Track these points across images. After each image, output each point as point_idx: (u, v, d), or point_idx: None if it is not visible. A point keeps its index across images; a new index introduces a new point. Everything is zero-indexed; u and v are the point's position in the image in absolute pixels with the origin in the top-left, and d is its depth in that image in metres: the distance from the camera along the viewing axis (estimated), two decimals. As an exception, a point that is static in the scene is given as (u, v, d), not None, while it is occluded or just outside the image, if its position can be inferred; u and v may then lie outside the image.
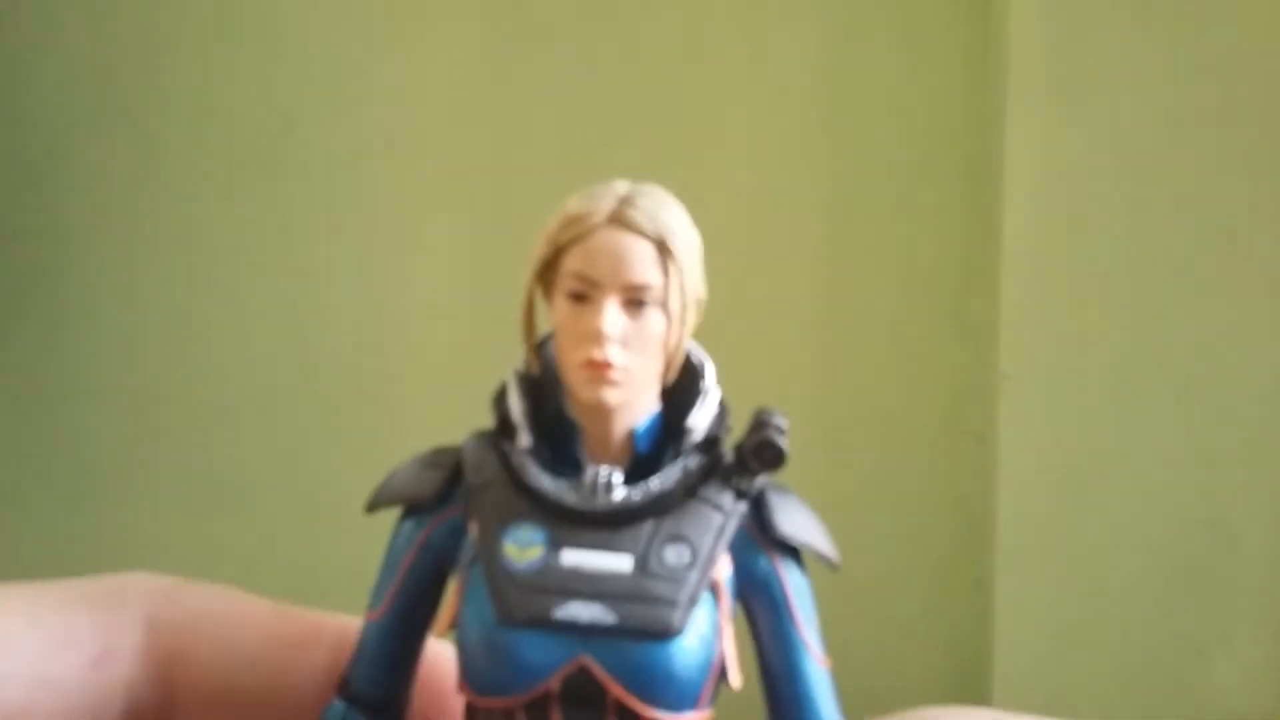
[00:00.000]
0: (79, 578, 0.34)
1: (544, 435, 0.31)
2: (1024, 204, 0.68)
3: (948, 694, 0.75)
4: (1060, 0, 0.67)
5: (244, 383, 0.83)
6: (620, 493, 0.30)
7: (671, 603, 0.29)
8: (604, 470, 0.30)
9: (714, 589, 0.30)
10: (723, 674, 0.30)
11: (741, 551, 0.31)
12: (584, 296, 0.30)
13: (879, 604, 0.75)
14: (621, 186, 0.31)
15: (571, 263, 0.30)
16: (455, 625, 0.30)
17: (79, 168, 0.84)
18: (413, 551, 0.32)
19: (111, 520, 0.84)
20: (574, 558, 0.29)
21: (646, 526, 0.30)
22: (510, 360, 0.32)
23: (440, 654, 0.33)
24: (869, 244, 0.76)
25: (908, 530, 0.76)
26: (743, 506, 0.31)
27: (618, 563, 0.29)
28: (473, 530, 0.31)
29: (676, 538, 0.30)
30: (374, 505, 0.32)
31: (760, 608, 0.31)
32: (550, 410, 0.32)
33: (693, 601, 0.29)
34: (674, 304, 0.30)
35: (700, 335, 0.32)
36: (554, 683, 0.29)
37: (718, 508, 0.30)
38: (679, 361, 0.31)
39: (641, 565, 0.29)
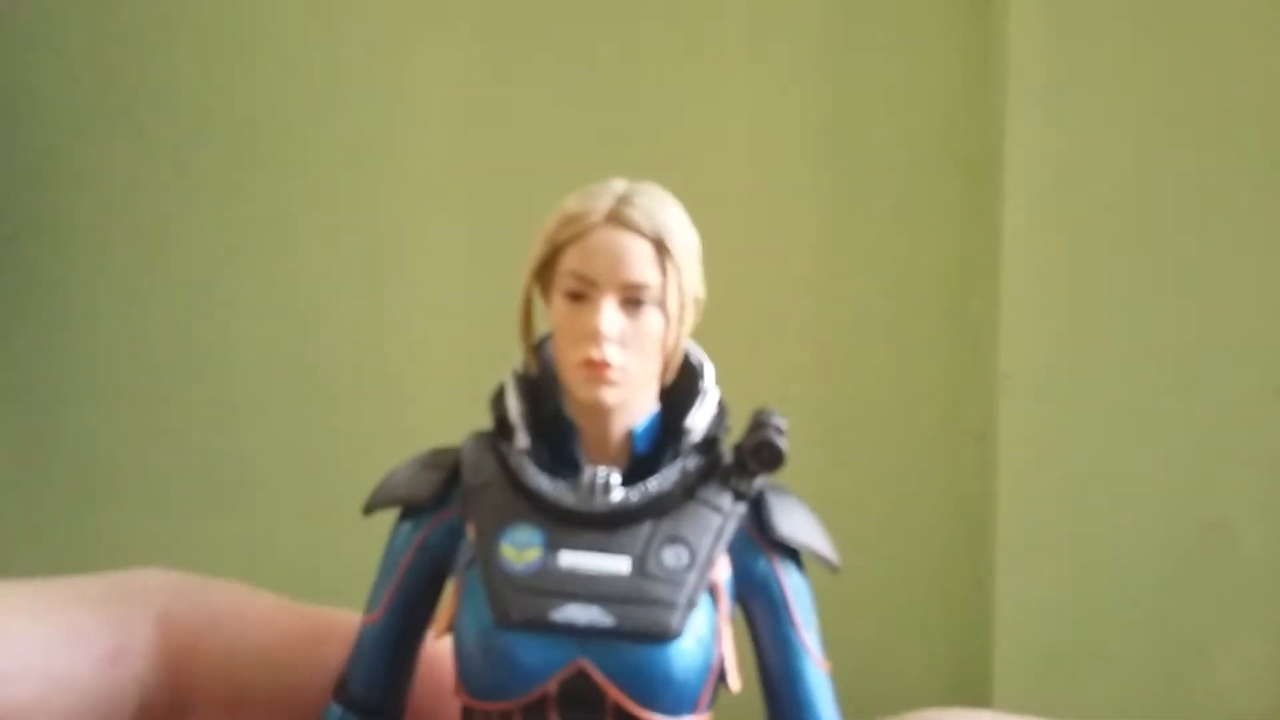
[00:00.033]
0: (90, 574, 0.34)
1: (542, 436, 0.31)
2: (1024, 204, 0.68)
3: (948, 694, 0.75)
4: (1060, 0, 0.67)
5: (244, 383, 0.83)
6: (618, 494, 0.30)
7: (670, 605, 0.29)
8: (602, 471, 0.30)
9: (713, 591, 0.30)
10: (721, 677, 0.30)
11: (740, 553, 0.30)
12: (582, 296, 0.30)
13: (879, 604, 0.75)
14: (620, 185, 0.31)
15: (569, 262, 0.30)
16: (452, 628, 0.30)
17: (79, 168, 0.84)
18: (410, 553, 0.31)
19: (111, 520, 0.84)
20: (571, 559, 0.29)
21: (645, 528, 0.30)
22: (510, 361, 0.32)
23: (438, 657, 0.33)
24: (869, 244, 0.76)
25: (908, 530, 0.76)
26: (742, 508, 0.30)
27: (615, 564, 0.29)
28: (470, 532, 0.30)
29: (675, 539, 0.29)
30: (371, 507, 0.32)
31: (759, 610, 0.31)
32: (549, 411, 0.31)
33: (691, 604, 0.29)
34: (672, 303, 0.30)
35: (700, 335, 0.32)
36: (551, 686, 0.29)
37: (716, 509, 0.30)
38: (677, 361, 0.31)
39: (639, 567, 0.29)
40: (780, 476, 0.31)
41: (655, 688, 0.29)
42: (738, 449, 0.31)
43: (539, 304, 0.31)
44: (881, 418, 0.76)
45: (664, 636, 0.28)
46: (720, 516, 0.30)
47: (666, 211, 0.30)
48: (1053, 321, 0.68)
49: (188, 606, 0.33)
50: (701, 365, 0.32)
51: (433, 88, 0.80)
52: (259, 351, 0.82)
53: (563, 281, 0.30)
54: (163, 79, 0.82)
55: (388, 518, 0.32)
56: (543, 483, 0.30)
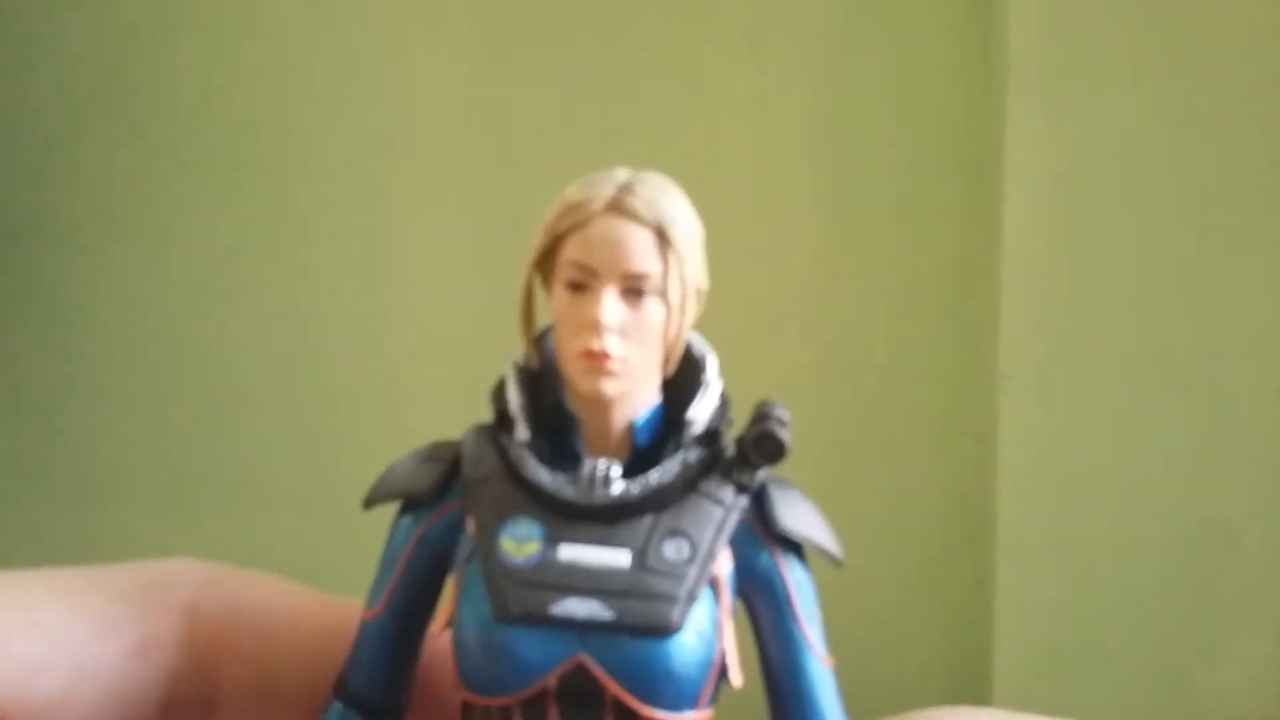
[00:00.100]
0: (119, 565, 0.34)
1: (543, 428, 0.31)
2: (1024, 204, 0.68)
3: (948, 694, 0.75)
4: (1060, 0, 0.67)
5: (245, 382, 0.83)
6: (618, 486, 0.29)
7: (670, 599, 0.28)
8: (602, 463, 0.30)
9: (714, 585, 0.29)
10: (723, 672, 0.30)
11: (742, 547, 0.30)
12: (582, 286, 0.29)
13: (879, 603, 0.75)
14: (622, 174, 0.30)
15: (570, 251, 0.30)
16: (452, 623, 0.30)
17: (79, 168, 0.84)
18: (410, 547, 0.31)
19: (111, 520, 0.83)
20: (571, 553, 0.29)
21: (645, 521, 0.29)
22: (510, 356, 0.32)
23: (438, 652, 0.32)
24: (869, 244, 0.76)
25: (908, 530, 0.76)
26: (744, 501, 0.30)
27: (616, 558, 0.29)
28: (470, 525, 0.30)
29: (676, 532, 0.29)
30: (371, 500, 0.32)
31: (762, 604, 0.31)
32: (550, 403, 0.31)
33: (692, 597, 0.28)
34: (673, 293, 0.30)
35: (700, 334, 0.32)
36: (551, 680, 0.28)
37: (718, 502, 0.30)
38: (679, 352, 0.31)
39: (640, 560, 0.29)
40: (780, 475, 0.31)
41: (655, 682, 0.28)
42: (739, 441, 0.30)
43: (540, 296, 0.31)
44: (881, 417, 0.76)
45: (664, 631, 0.28)
46: (722, 509, 0.30)
47: (669, 200, 0.30)
48: (1052, 321, 0.68)
49: (216, 598, 0.33)
50: (704, 357, 0.31)
51: (433, 88, 0.80)
52: (259, 351, 0.82)
53: (563, 271, 0.30)
54: (162, 79, 0.82)
55: (387, 517, 0.32)
56: (542, 475, 0.30)
